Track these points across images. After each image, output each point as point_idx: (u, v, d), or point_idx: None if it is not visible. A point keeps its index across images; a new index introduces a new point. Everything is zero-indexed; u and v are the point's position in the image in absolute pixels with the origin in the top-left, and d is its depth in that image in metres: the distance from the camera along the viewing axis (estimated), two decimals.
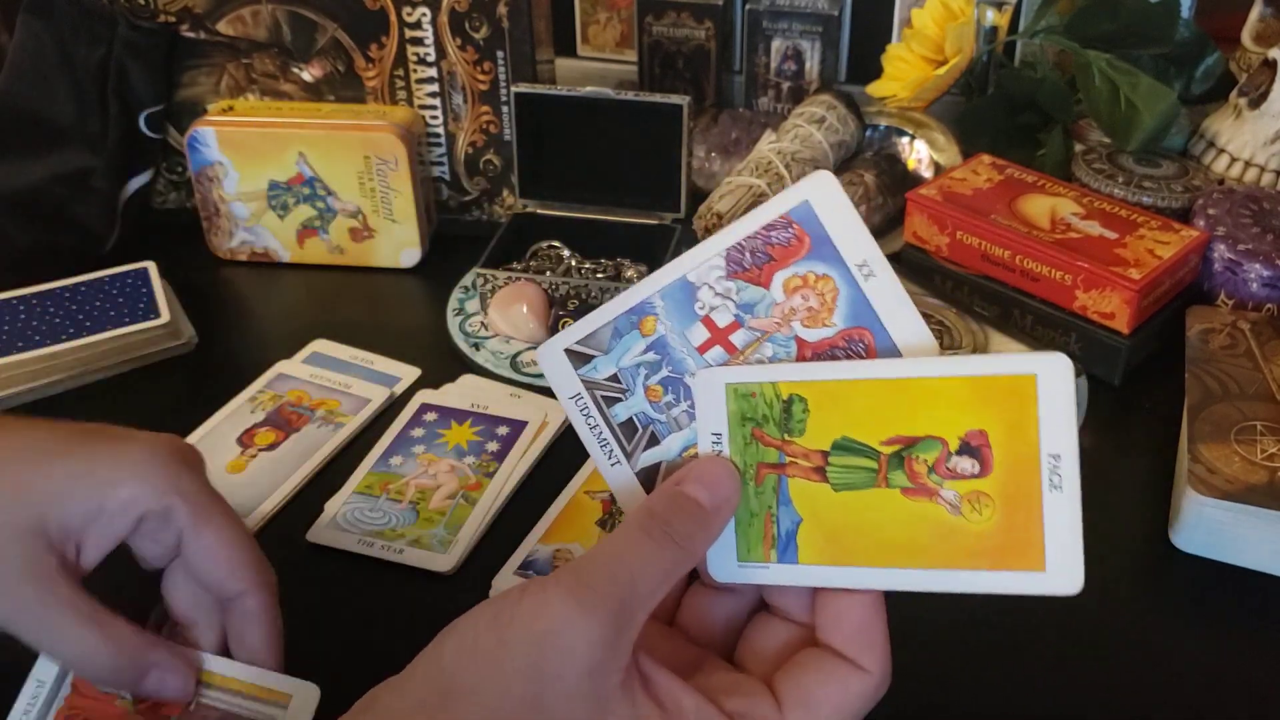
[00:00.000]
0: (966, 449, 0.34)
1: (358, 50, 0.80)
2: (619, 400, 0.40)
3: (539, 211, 0.78)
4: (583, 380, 0.40)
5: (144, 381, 0.69)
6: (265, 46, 0.81)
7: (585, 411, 0.40)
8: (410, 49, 0.79)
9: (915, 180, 0.83)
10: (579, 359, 0.40)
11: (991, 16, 0.90)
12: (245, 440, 0.64)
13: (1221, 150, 0.82)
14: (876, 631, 0.36)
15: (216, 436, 0.64)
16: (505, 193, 0.83)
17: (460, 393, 0.67)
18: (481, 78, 0.79)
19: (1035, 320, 0.70)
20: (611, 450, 0.40)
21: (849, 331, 0.37)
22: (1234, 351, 0.63)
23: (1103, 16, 0.82)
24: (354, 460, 0.62)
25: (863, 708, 0.36)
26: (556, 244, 0.76)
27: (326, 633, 0.52)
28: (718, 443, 0.38)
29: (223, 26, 0.80)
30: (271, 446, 0.63)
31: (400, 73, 0.80)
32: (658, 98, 0.73)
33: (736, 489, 0.37)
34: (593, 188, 0.77)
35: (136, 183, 0.83)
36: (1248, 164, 0.80)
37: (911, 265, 0.75)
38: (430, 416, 0.65)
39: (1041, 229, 0.70)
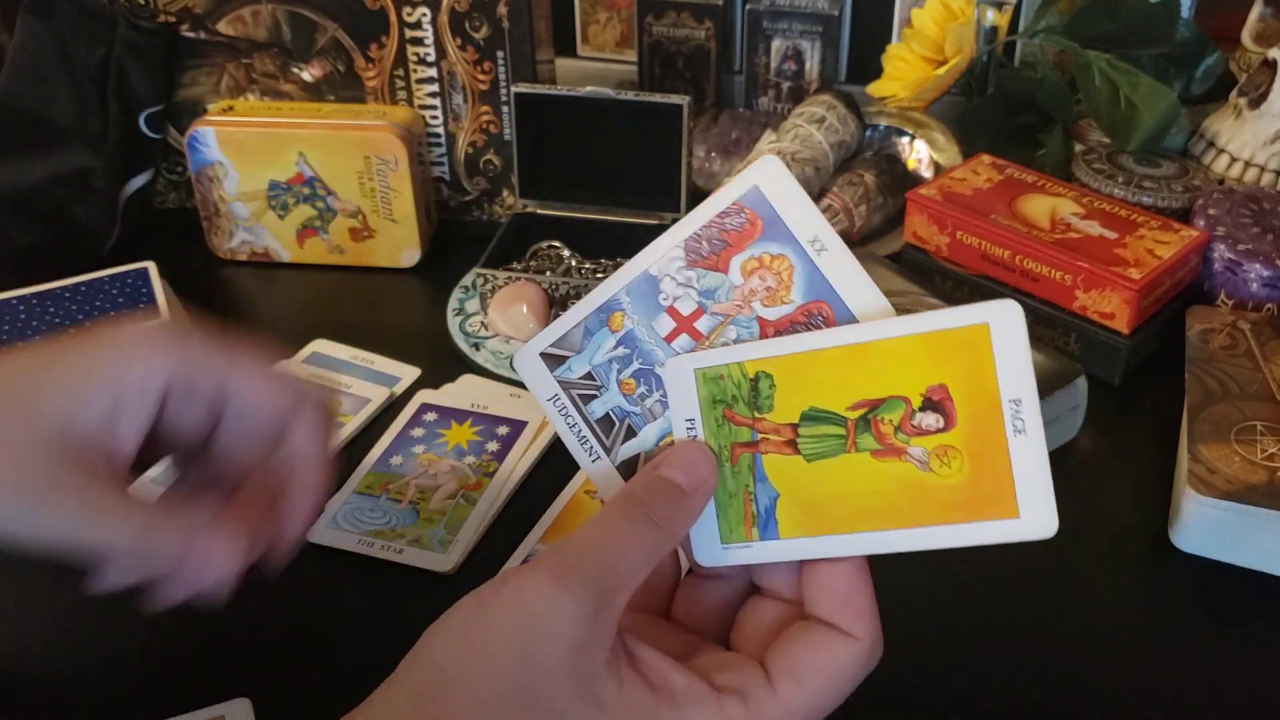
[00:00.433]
0: (929, 405, 0.35)
1: (358, 50, 0.80)
2: (595, 397, 0.41)
3: (539, 211, 0.78)
4: (559, 381, 0.41)
5: None
6: (265, 46, 0.81)
7: (564, 411, 0.41)
8: (410, 49, 0.79)
9: (915, 180, 0.83)
10: (554, 361, 0.41)
11: (991, 16, 0.90)
12: None
13: (1221, 150, 0.82)
14: (863, 598, 0.36)
15: None
16: (505, 193, 0.83)
17: (460, 393, 0.67)
18: (481, 78, 0.79)
19: (1035, 320, 0.70)
20: (591, 446, 0.41)
21: (808, 306, 0.38)
22: (1234, 351, 0.63)
23: (1103, 16, 0.82)
24: (354, 460, 0.62)
25: (853, 674, 0.36)
26: (556, 244, 0.76)
27: (326, 633, 0.52)
28: (692, 428, 0.39)
29: (223, 26, 0.80)
30: None
31: (400, 73, 0.80)
32: (658, 98, 0.73)
33: (713, 471, 0.38)
34: (593, 188, 0.77)
35: (136, 183, 0.83)
36: (1248, 164, 0.80)
37: (911, 265, 0.75)
38: (430, 416, 0.65)
39: (1041, 229, 0.70)
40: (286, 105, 0.82)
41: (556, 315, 0.69)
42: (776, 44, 0.95)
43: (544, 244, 0.76)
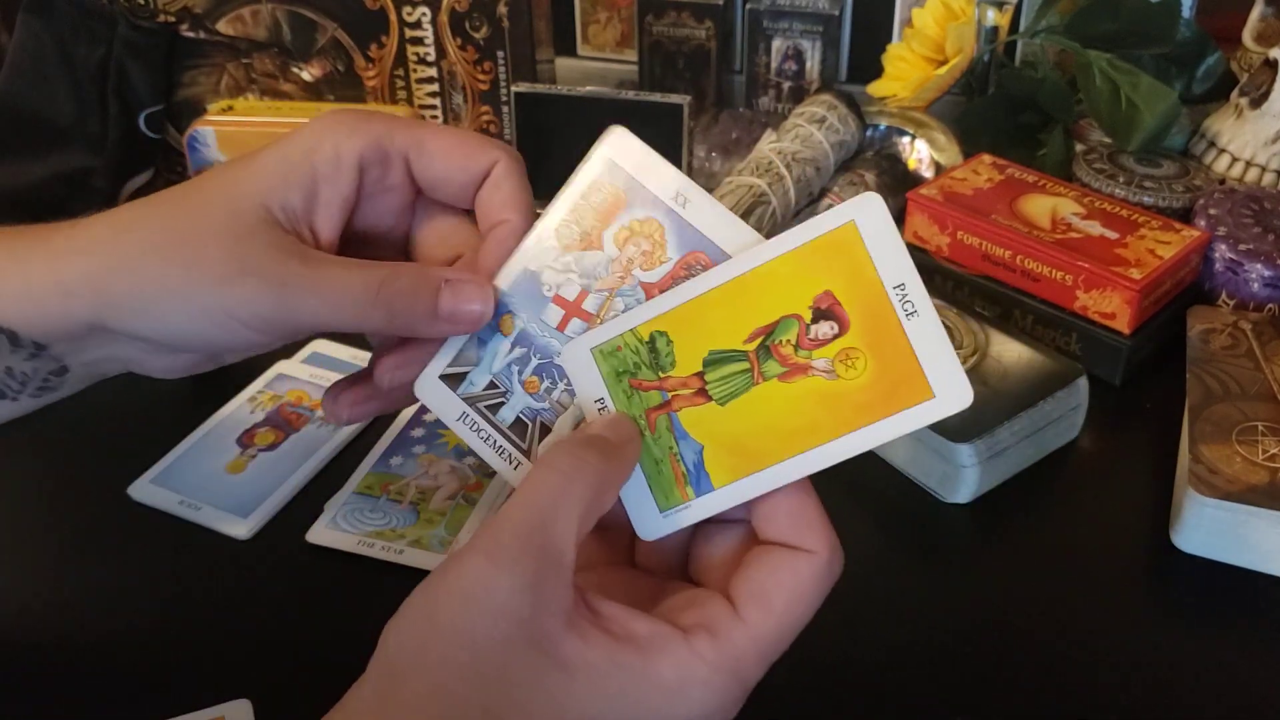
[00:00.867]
0: (820, 314, 0.36)
1: (358, 50, 0.80)
2: (502, 404, 0.41)
3: (539, 211, 0.78)
4: (464, 399, 0.41)
5: (144, 381, 0.69)
6: (265, 46, 0.81)
7: (475, 427, 0.41)
8: (410, 49, 0.79)
9: (916, 180, 0.83)
10: (454, 380, 0.41)
11: (992, 16, 0.90)
12: (245, 440, 0.64)
13: (1222, 150, 0.82)
14: (811, 512, 0.36)
15: (216, 436, 0.64)
16: None
17: None
18: (481, 77, 0.79)
19: (1036, 320, 0.70)
20: (509, 454, 0.41)
21: (685, 259, 0.39)
22: (1235, 352, 0.63)
23: (1103, 16, 0.82)
24: (354, 461, 0.62)
25: (818, 589, 0.36)
26: None
27: (326, 633, 0.52)
28: (603, 406, 0.39)
29: (222, 26, 0.80)
30: (271, 447, 0.63)
31: (400, 72, 0.80)
32: (658, 97, 0.73)
33: (636, 430, 0.38)
34: None
35: (136, 182, 0.83)
36: (1249, 164, 0.80)
37: None
38: (430, 417, 0.65)
39: (1042, 229, 0.70)
40: (286, 105, 0.82)
41: None
42: (777, 44, 0.95)
43: None
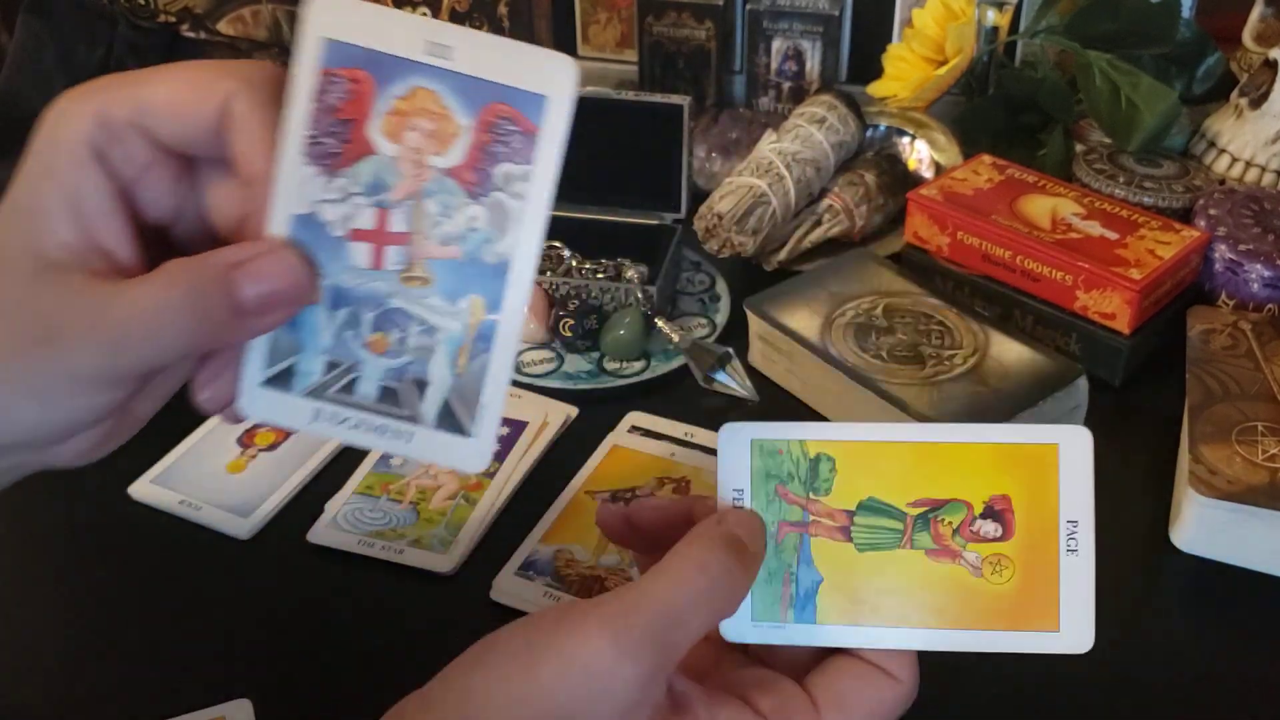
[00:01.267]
0: (990, 513, 0.36)
1: None
2: (355, 380, 0.35)
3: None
4: (306, 396, 0.35)
5: None
6: (265, 46, 0.81)
7: (337, 419, 0.35)
8: None
9: (916, 180, 0.83)
10: (283, 380, 0.35)
11: (992, 16, 0.90)
12: (245, 440, 0.64)
13: (1222, 150, 0.82)
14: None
15: (217, 436, 0.64)
16: None
17: None
18: None
19: (1036, 320, 0.70)
20: (394, 430, 0.35)
21: (483, 118, 0.32)
22: (1235, 352, 0.63)
23: (1103, 16, 0.82)
24: (354, 460, 0.62)
25: (893, 714, 0.36)
26: (556, 244, 0.75)
27: (326, 633, 0.52)
28: (739, 498, 0.38)
29: (223, 26, 0.80)
30: (272, 447, 0.63)
31: None
32: (658, 98, 0.73)
33: (764, 543, 0.37)
34: (593, 188, 0.77)
35: None
36: (1249, 164, 0.80)
37: (912, 265, 0.75)
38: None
39: (1042, 229, 0.70)
40: None
41: (556, 315, 0.69)
42: (777, 44, 0.95)
43: (544, 244, 0.76)
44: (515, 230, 0.33)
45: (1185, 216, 0.75)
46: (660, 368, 0.69)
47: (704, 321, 0.73)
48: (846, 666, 0.36)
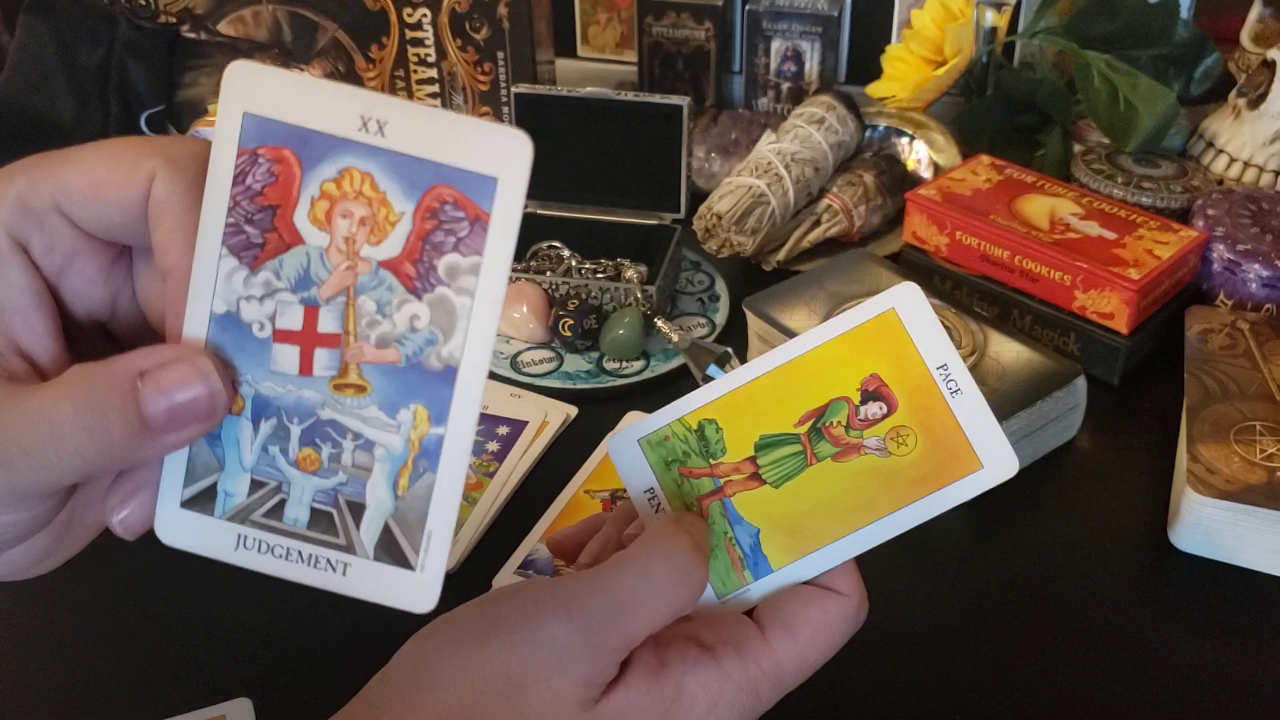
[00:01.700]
0: (868, 396, 0.37)
1: (358, 51, 0.80)
2: (282, 502, 0.31)
3: (539, 211, 0.78)
4: (228, 520, 0.31)
5: None
6: (266, 47, 0.81)
7: (264, 548, 0.31)
8: (411, 49, 0.79)
9: (914, 181, 0.83)
10: (203, 502, 0.31)
11: (991, 17, 0.90)
12: None
13: (1220, 151, 0.82)
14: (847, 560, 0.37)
15: None
16: None
17: None
18: (482, 78, 0.79)
19: (1034, 320, 0.70)
20: (327, 560, 0.31)
21: (425, 204, 0.28)
22: (1233, 352, 0.63)
23: (1102, 17, 0.82)
24: None
25: (843, 630, 0.36)
26: (556, 244, 0.76)
27: (326, 633, 0.53)
28: (653, 497, 0.38)
29: (223, 27, 0.80)
30: None
31: (401, 73, 0.80)
32: (657, 98, 0.73)
33: (708, 536, 0.38)
34: (593, 188, 0.77)
35: None
36: (1247, 164, 0.80)
37: (911, 266, 0.75)
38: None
39: (1040, 229, 0.70)
40: None
41: (556, 315, 0.69)
42: (776, 45, 0.95)
43: (544, 244, 0.76)
44: (463, 331, 0.29)
45: (1183, 217, 0.75)
46: (660, 367, 0.69)
47: (703, 321, 0.74)
48: (790, 590, 0.37)
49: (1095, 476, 0.62)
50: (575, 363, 0.69)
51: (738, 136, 0.91)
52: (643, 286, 0.70)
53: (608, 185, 0.77)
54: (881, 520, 0.37)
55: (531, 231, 0.77)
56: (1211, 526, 0.54)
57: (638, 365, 0.69)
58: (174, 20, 0.80)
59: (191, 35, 0.81)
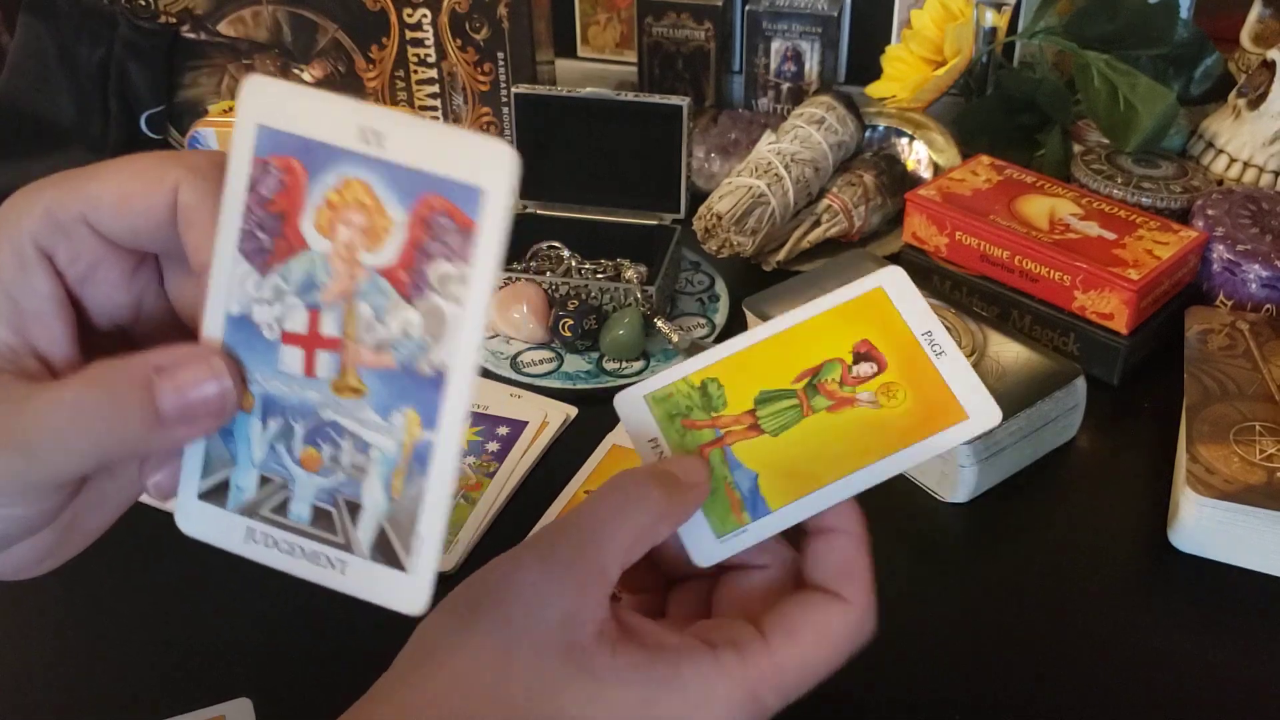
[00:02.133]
0: (860, 357, 0.41)
1: (358, 51, 0.80)
2: (287, 500, 0.32)
3: (539, 212, 0.79)
4: (239, 514, 0.33)
5: None
6: (266, 47, 0.81)
7: (270, 542, 0.33)
8: (411, 50, 0.79)
9: (914, 181, 0.83)
10: (219, 494, 0.33)
11: (990, 17, 0.90)
12: None
13: (1220, 151, 0.82)
14: (859, 567, 0.37)
15: None
16: None
17: None
18: (482, 79, 0.79)
19: (1034, 320, 0.70)
20: (326, 557, 0.32)
21: (417, 213, 0.29)
22: (1233, 352, 0.63)
23: (1102, 17, 0.82)
24: None
25: (846, 638, 0.36)
26: (556, 244, 0.76)
27: (326, 633, 0.53)
28: (656, 446, 0.40)
29: (223, 27, 0.81)
30: None
31: (401, 74, 0.80)
32: (657, 99, 0.73)
33: (706, 476, 0.39)
34: (593, 188, 0.77)
35: None
36: (1246, 164, 0.80)
37: (911, 266, 0.75)
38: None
39: (1040, 230, 0.70)
40: None
41: (556, 315, 0.69)
42: (776, 45, 0.95)
43: (544, 244, 0.76)
44: (452, 338, 0.30)
45: (1183, 217, 0.75)
46: (660, 368, 0.69)
47: (703, 321, 0.74)
48: (793, 597, 0.37)
49: (1095, 477, 0.62)
50: (575, 363, 0.69)
51: (738, 136, 0.91)
52: (643, 287, 0.70)
53: (608, 185, 0.77)
54: (875, 464, 0.39)
55: (531, 231, 0.77)
56: (1211, 526, 0.54)
57: (638, 365, 0.69)
58: (174, 20, 0.80)
59: (191, 35, 0.81)
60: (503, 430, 0.63)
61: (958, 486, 0.58)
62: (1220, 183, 0.80)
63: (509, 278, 0.72)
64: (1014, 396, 0.59)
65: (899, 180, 0.83)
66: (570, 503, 0.59)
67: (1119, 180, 0.77)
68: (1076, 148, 0.84)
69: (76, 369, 0.32)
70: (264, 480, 0.32)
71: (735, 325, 0.72)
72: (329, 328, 0.31)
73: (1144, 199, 0.76)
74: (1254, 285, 0.69)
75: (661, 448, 0.40)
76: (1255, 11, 0.93)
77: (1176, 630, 0.52)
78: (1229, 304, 0.70)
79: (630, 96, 0.74)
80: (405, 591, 0.31)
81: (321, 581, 0.32)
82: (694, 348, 0.67)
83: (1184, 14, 0.89)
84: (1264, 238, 0.70)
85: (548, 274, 0.73)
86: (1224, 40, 0.92)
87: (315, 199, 0.30)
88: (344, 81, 0.81)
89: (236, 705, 0.48)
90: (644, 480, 0.37)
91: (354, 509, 0.31)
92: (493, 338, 0.72)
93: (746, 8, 0.95)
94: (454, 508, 0.58)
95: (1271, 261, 0.68)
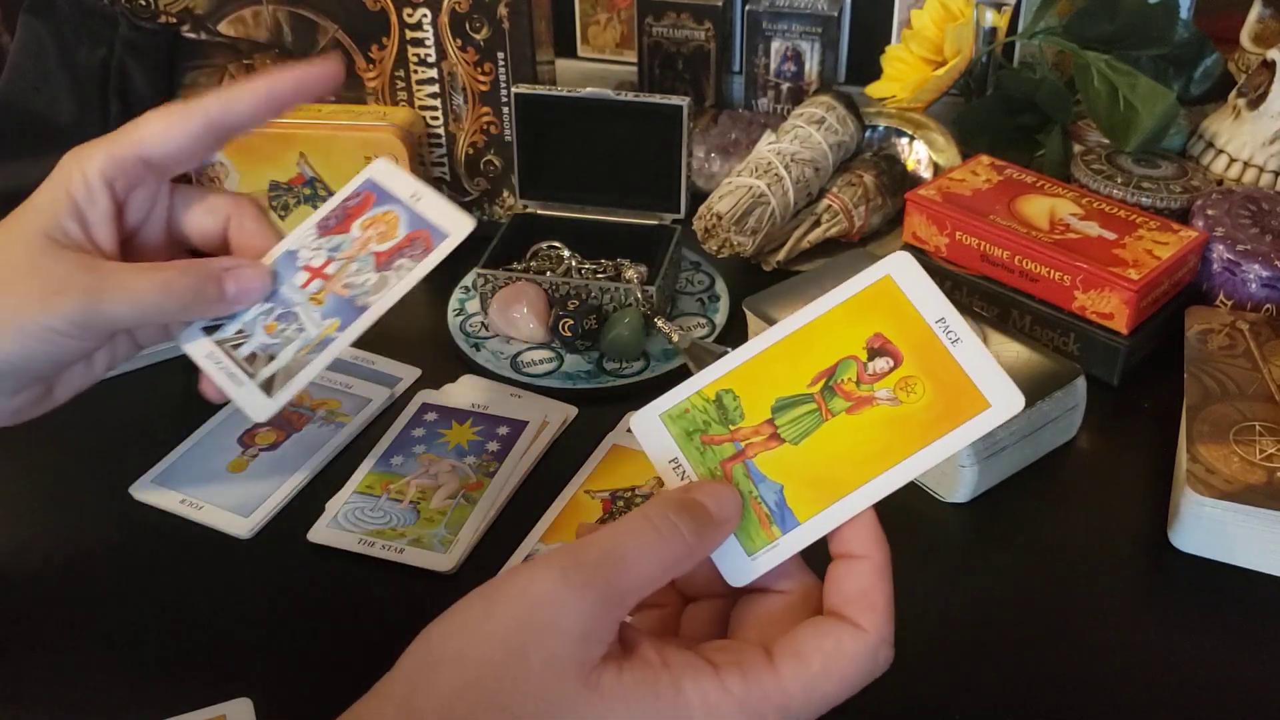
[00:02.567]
0: (874, 353, 0.39)
1: (358, 51, 0.80)
2: (243, 343, 0.51)
3: (539, 212, 0.78)
4: (215, 342, 0.51)
5: (145, 381, 0.69)
6: (266, 47, 0.81)
7: (215, 360, 0.51)
8: (411, 50, 0.79)
9: (914, 181, 0.83)
10: (212, 329, 0.52)
11: (990, 17, 0.90)
12: (246, 440, 0.64)
13: (1220, 151, 0.82)
14: (878, 595, 0.37)
15: (218, 436, 0.64)
16: (505, 193, 0.83)
17: (460, 393, 0.67)
18: (482, 78, 0.79)
19: (1034, 321, 0.70)
20: (236, 377, 0.50)
21: (410, 234, 0.51)
22: (1233, 352, 0.63)
23: (1102, 17, 0.82)
24: (355, 460, 0.62)
25: (858, 666, 0.35)
26: (556, 244, 0.76)
27: (326, 633, 0.53)
28: (678, 467, 0.40)
29: (224, 27, 0.81)
30: (272, 446, 0.63)
31: (401, 73, 0.80)
32: (657, 99, 0.73)
33: (739, 509, 0.38)
34: (593, 188, 0.77)
35: None
36: (1246, 164, 0.80)
37: None
38: (431, 416, 0.65)
39: (1040, 230, 0.70)
40: None
41: (556, 315, 0.69)
42: (776, 45, 0.95)
43: (544, 244, 0.76)
44: (384, 293, 0.50)
45: (1183, 217, 0.75)
46: (660, 368, 0.69)
47: (703, 321, 0.74)
48: (808, 622, 0.37)
49: (1095, 477, 0.62)
50: (575, 363, 0.69)
51: (738, 136, 0.91)
52: (643, 287, 0.70)
53: (608, 185, 0.77)
54: (901, 464, 0.38)
55: (531, 231, 0.77)
56: (1211, 526, 0.54)
57: (638, 365, 0.69)
58: (174, 20, 0.80)
59: (191, 35, 0.80)
60: (503, 430, 0.63)
61: (958, 486, 0.58)
62: (1220, 183, 0.80)
63: (509, 278, 0.72)
64: None
65: (899, 180, 0.83)
66: (570, 503, 0.59)
67: (1119, 180, 0.77)
68: (1076, 148, 0.84)
69: (115, 258, 0.49)
70: (239, 330, 0.51)
71: (735, 325, 0.72)
72: (330, 269, 0.52)
73: (1144, 199, 0.76)
74: (1254, 285, 0.69)
75: (683, 468, 0.40)
76: (1255, 11, 0.93)
77: (1176, 630, 0.52)
78: (1229, 304, 0.70)
79: (630, 96, 0.74)
80: (262, 408, 0.50)
81: (223, 388, 0.50)
82: (694, 347, 0.67)
83: (1184, 14, 0.89)
84: (1264, 238, 0.70)
85: (548, 274, 0.73)
86: (1224, 40, 0.92)
87: (369, 214, 0.53)
88: (344, 81, 0.81)
89: (236, 705, 0.48)
90: (675, 514, 0.36)
91: (270, 359, 0.50)
92: (492, 338, 0.72)
93: (746, 8, 0.95)
94: (456, 507, 0.58)
95: (1271, 261, 0.68)
